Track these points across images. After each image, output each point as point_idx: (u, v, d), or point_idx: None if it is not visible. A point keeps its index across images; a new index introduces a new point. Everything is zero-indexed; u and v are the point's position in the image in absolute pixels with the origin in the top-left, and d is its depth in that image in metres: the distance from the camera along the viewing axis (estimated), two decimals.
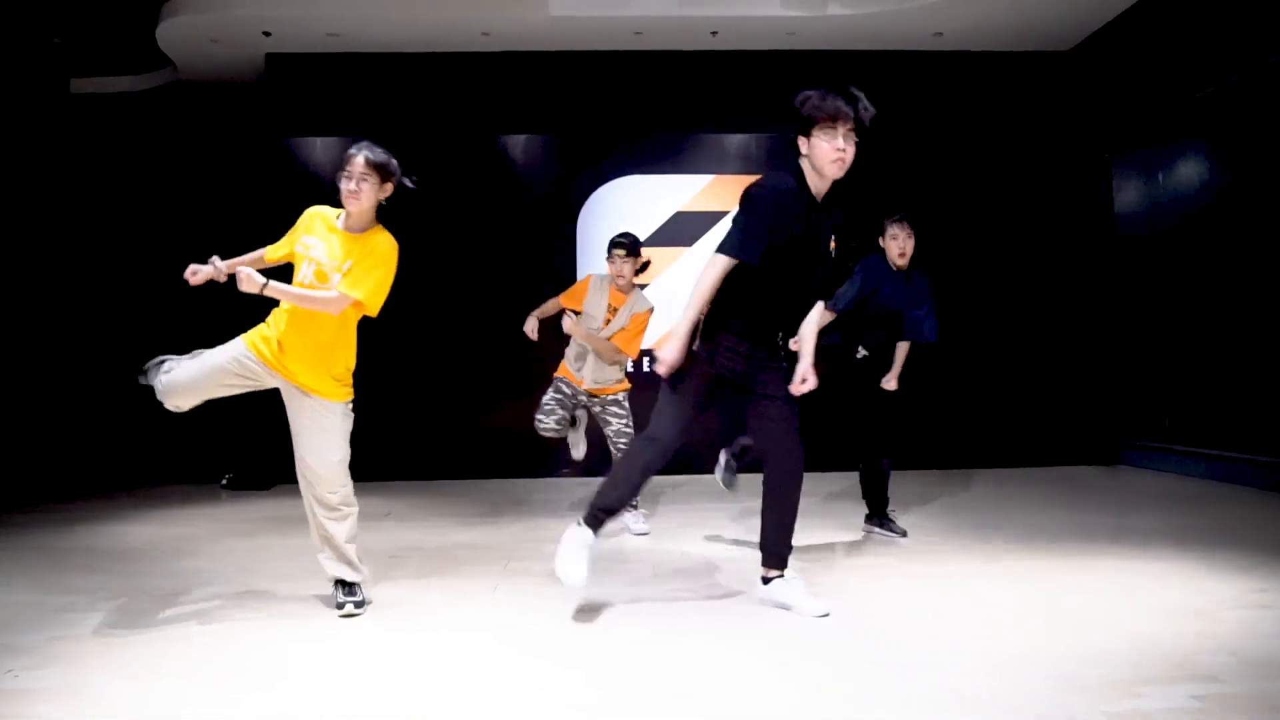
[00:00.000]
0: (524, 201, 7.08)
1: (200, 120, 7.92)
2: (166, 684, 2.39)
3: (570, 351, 4.71)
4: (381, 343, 6.81)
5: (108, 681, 2.41)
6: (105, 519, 5.16)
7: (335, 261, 3.02)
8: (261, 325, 3.14)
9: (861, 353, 4.29)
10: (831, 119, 2.75)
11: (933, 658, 2.51)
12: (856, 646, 2.64)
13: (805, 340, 3.13)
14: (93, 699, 2.30)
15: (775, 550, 3.07)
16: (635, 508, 4.63)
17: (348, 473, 3.10)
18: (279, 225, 7.78)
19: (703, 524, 4.75)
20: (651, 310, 4.66)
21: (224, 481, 6.49)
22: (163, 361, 3.11)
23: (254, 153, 7.60)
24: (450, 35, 6.91)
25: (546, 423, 4.64)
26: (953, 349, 7.13)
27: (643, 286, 4.84)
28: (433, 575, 3.67)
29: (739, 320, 3.00)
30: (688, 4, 6.66)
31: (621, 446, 4.57)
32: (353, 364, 3.17)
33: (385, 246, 3.05)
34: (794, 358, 3.14)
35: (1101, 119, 7.28)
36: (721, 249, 2.89)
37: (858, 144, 2.82)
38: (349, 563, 3.09)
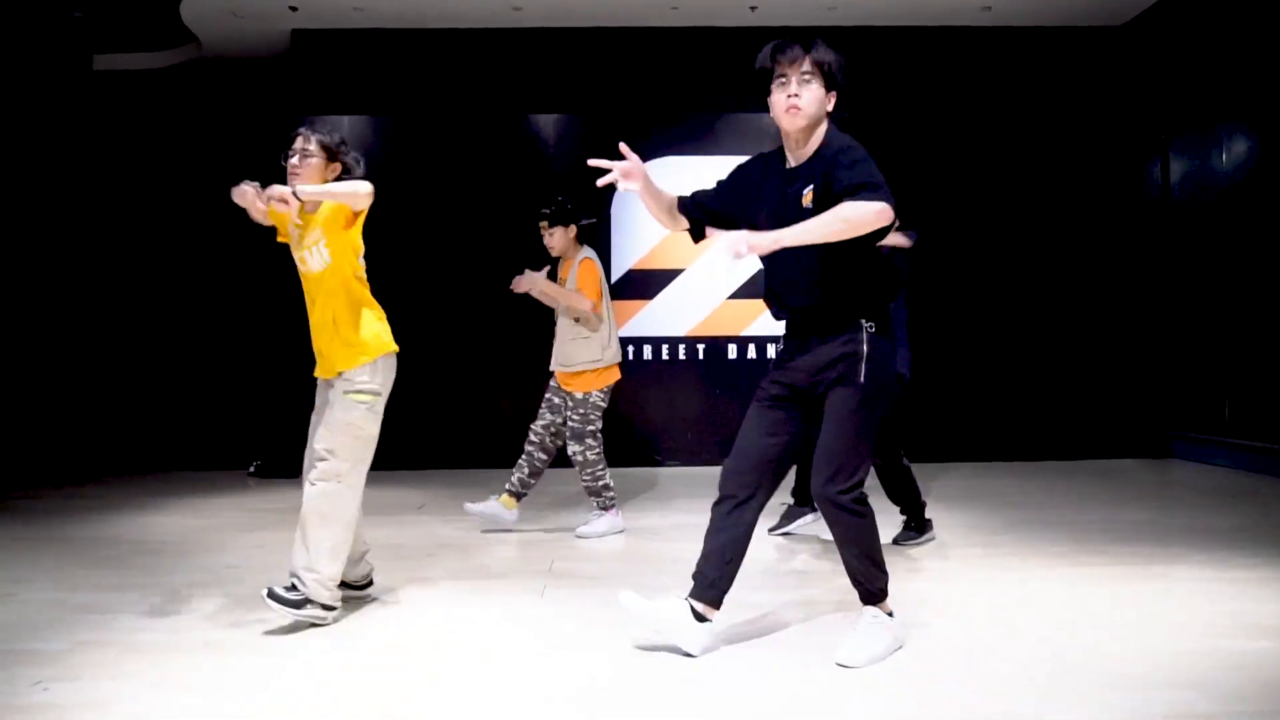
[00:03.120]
0: (553, 183, 6.85)
1: (224, 97, 7.75)
2: (199, 698, 2.24)
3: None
4: (413, 327, 6.59)
5: (138, 694, 2.26)
6: (132, 507, 5.05)
7: (305, 245, 2.95)
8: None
9: None
10: (781, 68, 2.45)
11: (999, 669, 2.32)
12: (914, 663, 2.45)
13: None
14: (123, 714, 2.15)
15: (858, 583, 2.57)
16: (600, 507, 4.31)
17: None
18: None
19: None
20: (590, 257, 4.34)
21: (252, 469, 6.37)
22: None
23: (278, 130, 7.41)
24: (480, 10, 6.69)
25: (537, 425, 4.32)
26: (999, 335, 6.91)
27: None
28: (474, 578, 3.51)
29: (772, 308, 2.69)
30: None
31: (568, 443, 4.23)
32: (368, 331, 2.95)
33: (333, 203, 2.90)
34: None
35: (1157, 97, 6.98)
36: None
37: (833, 89, 2.48)
38: None
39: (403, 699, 2.23)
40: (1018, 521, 4.47)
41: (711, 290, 6.79)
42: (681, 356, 6.82)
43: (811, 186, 2.44)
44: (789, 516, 4.16)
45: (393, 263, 5.78)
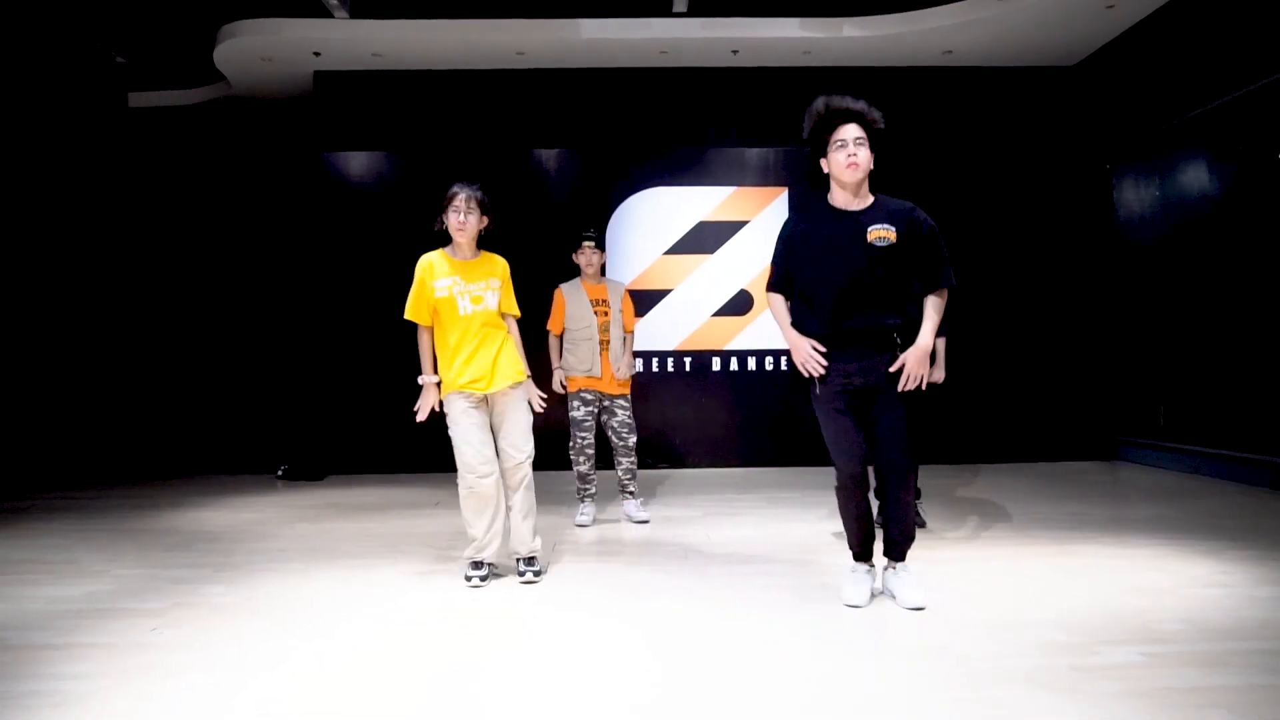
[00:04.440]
0: (555, 212, 7.52)
1: (251, 132, 8.42)
2: (272, 644, 2.86)
3: (574, 359, 4.90)
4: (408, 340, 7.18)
5: (226, 640, 2.89)
6: (179, 505, 5.66)
7: (480, 284, 3.67)
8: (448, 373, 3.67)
9: None
10: (838, 133, 3.08)
11: (929, 623, 2.95)
12: (862, 614, 3.08)
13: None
14: (218, 649, 2.77)
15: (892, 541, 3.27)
16: (633, 495, 5.05)
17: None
18: (321, 233, 8.26)
19: (728, 512, 5.20)
20: (626, 287, 5.16)
21: (280, 472, 6.97)
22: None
23: (299, 164, 8.10)
24: (487, 54, 7.36)
25: (588, 439, 4.90)
26: (957, 347, 7.54)
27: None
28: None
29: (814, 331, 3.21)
30: (710, 25, 7.08)
31: (625, 435, 4.93)
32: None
33: (505, 265, 3.84)
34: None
35: (1104, 132, 7.66)
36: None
37: (876, 144, 3.12)
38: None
39: (435, 650, 2.85)
40: (964, 514, 5.09)
41: (698, 308, 7.43)
42: (671, 368, 7.46)
43: (881, 226, 3.11)
44: None
45: (409, 287, 6.42)
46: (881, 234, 3.10)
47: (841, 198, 3.19)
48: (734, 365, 7.46)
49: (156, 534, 4.69)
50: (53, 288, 7.35)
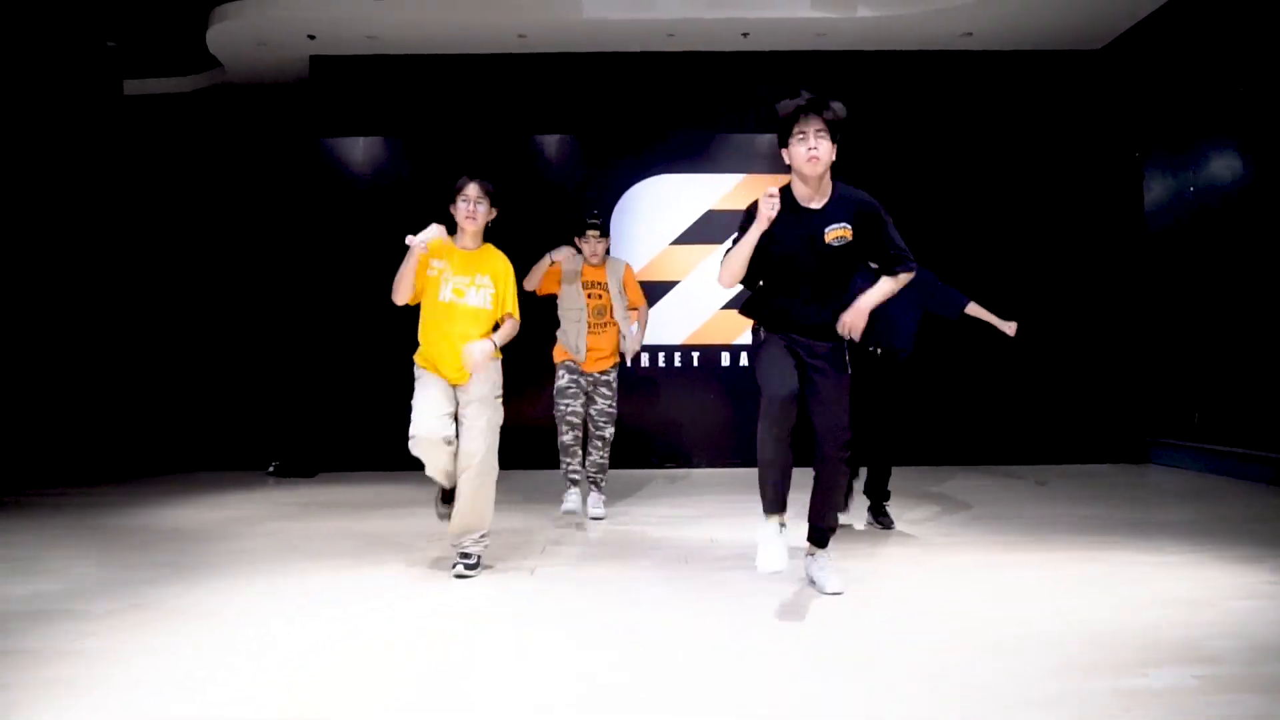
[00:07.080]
0: (557, 201, 7.24)
1: (247, 119, 8.18)
2: (216, 654, 2.59)
3: (563, 336, 4.72)
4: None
5: (159, 649, 2.62)
6: (159, 502, 5.43)
7: (466, 278, 3.55)
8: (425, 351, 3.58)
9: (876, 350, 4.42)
10: (800, 125, 3.00)
11: (943, 642, 2.64)
12: (873, 633, 2.77)
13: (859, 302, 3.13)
14: (144, 663, 2.50)
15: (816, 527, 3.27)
16: (597, 489, 4.81)
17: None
18: (319, 221, 7.97)
19: (726, 512, 4.91)
20: (627, 264, 4.93)
21: (270, 469, 6.74)
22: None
23: (297, 152, 7.85)
24: (486, 37, 7.10)
25: (573, 406, 4.61)
26: (982, 345, 7.20)
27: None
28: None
29: (768, 319, 3.29)
30: (719, 5, 6.78)
31: (603, 425, 4.72)
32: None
33: (505, 264, 3.69)
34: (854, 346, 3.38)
35: (1132, 118, 7.30)
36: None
37: (837, 139, 3.04)
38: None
39: (393, 664, 2.57)
40: (982, 516, 4.77)
41: (706, 301, 7.13)
42: (678, 363, 7.16)
43: (838, 226, 3.06)
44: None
45: None
46: (839, 234, 3.07)
47: (803, 191, 3.12)
48: (744, 360, 7.16)
49: (127, 532, 4.45)
50: (47, 282, 7.16)
